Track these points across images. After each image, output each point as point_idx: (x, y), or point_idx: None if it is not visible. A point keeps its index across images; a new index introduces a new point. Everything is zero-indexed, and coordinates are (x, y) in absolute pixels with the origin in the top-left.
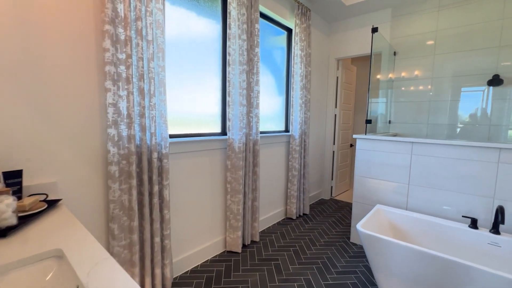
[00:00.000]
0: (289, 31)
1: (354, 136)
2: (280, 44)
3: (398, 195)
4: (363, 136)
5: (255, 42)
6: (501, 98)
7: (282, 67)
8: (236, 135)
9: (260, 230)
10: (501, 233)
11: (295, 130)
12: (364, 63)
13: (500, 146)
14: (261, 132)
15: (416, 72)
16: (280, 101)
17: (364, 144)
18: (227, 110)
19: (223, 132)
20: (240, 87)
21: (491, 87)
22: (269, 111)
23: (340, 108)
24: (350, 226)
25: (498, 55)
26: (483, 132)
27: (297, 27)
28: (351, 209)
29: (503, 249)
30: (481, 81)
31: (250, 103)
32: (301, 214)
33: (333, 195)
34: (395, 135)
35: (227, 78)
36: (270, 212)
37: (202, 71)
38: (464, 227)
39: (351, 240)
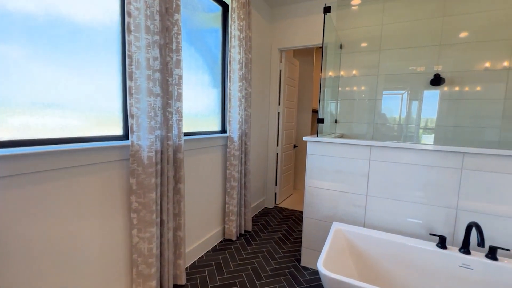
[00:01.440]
0: (224, 7)
1: (305, 138)
2: (213, 24)
3: (356, 208)
4: (315, 138)
5: (174, 5)
6: (441, 98)
7: (216, 52)
8: (144, 139)
9: (189, 264)
10: (471, 252)
11: (233, 130)
12: (307, 58)
13: (464, 150)
14: (187, 134)
15: (362, 68)
16: (214, 94)
17: (316, 148)
18: (128, 101)
19: (125, 136)
20: (150, 67)
21: (436, 88)
22: (200, 107)
23: (284, 106)
24: (298, 243)
25: (439, 54)
26: (429, 133)
27: (234, 1)
28: (297, 218)
29: (475, 271)
30: (424, 80)
31: (168, 93)
32: (243, 232)
33: (277, 203)
34: (341, 136)
35: (127, 52)
36: (203, 237)
37: (79, 41)
38: (432, 247)
39: (302, 264)
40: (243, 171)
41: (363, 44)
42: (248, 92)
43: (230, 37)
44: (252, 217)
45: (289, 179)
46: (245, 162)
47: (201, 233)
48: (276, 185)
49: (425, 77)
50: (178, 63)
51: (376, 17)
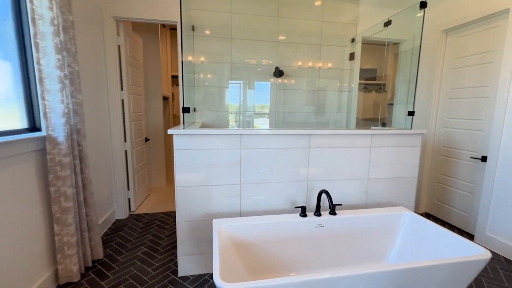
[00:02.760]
0: None
1: (170, 131)
2: None
3: (231, 198)
4: (183, 131)
5: None
6: (282, 88)
7: None
8: None
9: None
10: (322, 213)
11: (55, 127)
12: (151, 36)
13: (310, 132)
14: None
15: (214, 55)
16: (6, 69)
17: (185, 142)
18: None
19: None
20: None
21: (276, 79)
22: None
23: (129, 91)
24: (171, 251)
25: (277, 49)
26: (272, 119)
27: None
28: (162, 222)
29: (325, 227)
30: (268, 72)
31: None
32: (90, 264)
33: (133, 210)
34: (203, 126)
35: None
36: None
37: None
38: (297, 217)
39: (180, 274)
40: (80, 184)
41: (215, 29)
42: (74, 70)
43: None
44: (101, 237)
45: (144, 179)
46: (81, 170)
47: None
48: (128, 189)
49: (268, 69)
50: None
51: (226, 4)
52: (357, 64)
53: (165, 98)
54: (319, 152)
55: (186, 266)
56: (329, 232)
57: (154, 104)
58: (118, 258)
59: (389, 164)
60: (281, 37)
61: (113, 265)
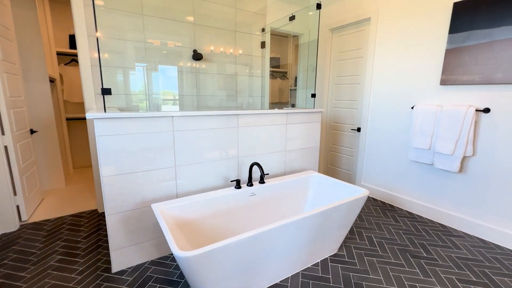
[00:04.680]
0: None
1: (90, 116)
2: None
3: (167, 182)
4: (107, 114)
5: None
6: (198, 72)
7: None
8: None
9: None
10: (254, 183)
11: None
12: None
13: (238, 112)
14: None
15: (125, 32)
16: None
17: (109, 127)
18: None
19: None
20: None
21: (192, 62)
22: None
23: (1, 69)
24: (94, 252)
25: (194, 31)
26: (194, 101)
27: None
28: (74, 225)
29: (257, 195)
30: (181, 54)
31: None
32: None
33: (25, 219)
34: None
35: None
36: None
37: None
38: (232, 190)
39: (114, 270)
40: None
41: (123, 2)
42: None
43: None
44: None
45: (35, 180)
46: None
47: None
48: (15, 194)
49: (182, 51)
50: None
51: None
52: (267, 52)
53: (52, 80)
54: (246, 130)
55: (122, 259)
56: (261, 198)
57: (38, 87)
58: (23, 274)
59: (300, 137)
60: (197, 20)
61: (18, 284)
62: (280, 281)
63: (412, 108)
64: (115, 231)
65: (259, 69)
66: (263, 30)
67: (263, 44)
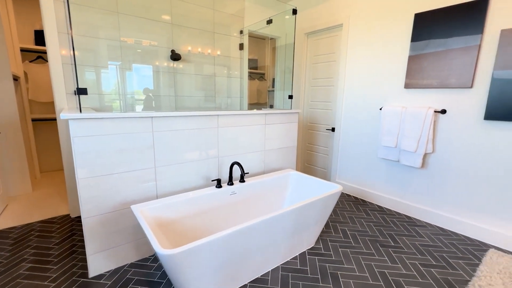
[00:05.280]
0: None
1: (65, 116)
2: None
3: (147, 183)
4: (83, 115)
5: None
6: (176, 72)
7: None
8: None
9: None
10: (234, 182)
11: None
12: None
13: (218, 113)
14: None
15: (100, 29)
16: None
17: (86, 129)
18: None
19: None
20: None
21: (169, 62)
22: None
23: None
24: (68, 258)
25: (172, 31)
26: (171, 102)
27: None
28: (43, 232)
29: (238, 194)
30: (157, 53)
31: None
32: None
33: None
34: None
35: None
36: None
37: None
38: (213, 189)
39: (92, 275)
40: None
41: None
42: None
43: None
44: None
45: None
46: None
47: None
48: None
49: (158, 50)
50: None
51: None
52: (245, 54)
53: (14, 79)
54: (226, 130)
55: (99, 263)
56: (241, 197)
57: (1, 85)
58: None
59: (278, 137)
60: (174, 20)
61: None
62: (261, 275)
63: (380, 109)
64: (92, 234)
65: (237, 70)
66: (241, 32)
67: (241, 46)
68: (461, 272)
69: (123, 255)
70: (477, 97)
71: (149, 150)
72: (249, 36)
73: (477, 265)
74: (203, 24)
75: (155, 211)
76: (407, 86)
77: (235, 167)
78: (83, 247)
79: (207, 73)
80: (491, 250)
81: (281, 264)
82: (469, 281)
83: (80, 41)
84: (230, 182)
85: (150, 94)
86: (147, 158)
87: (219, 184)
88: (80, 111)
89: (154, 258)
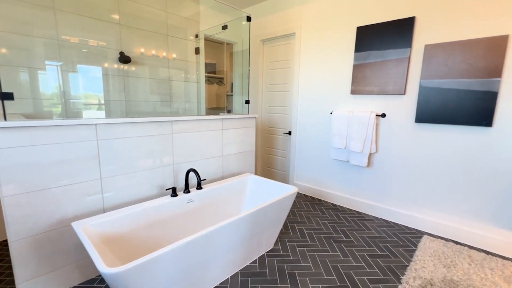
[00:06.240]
0: None
1: None
2: None
3: (91, 196)
4: (8, 123)
5: None
6: (127, 75)
7: None
8: None
9: None
10: (191, 190)
11: None
12: None
13: (172, 119)
14: None
15: (32, 25)
16: None
17: (13, 139)
18: None
19: None
20: None
21: (119, 65)
22: None
23: None
24: None
25: (120, 33)
26: (122, 107)
27: None
28: None
29: (195, 201)
30: (113, 55)
31: None
32: None
33: None
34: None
35: None
36: None
37: None
38: (168, 198)
39: None
40: None
41: None
42: None
43: None
44: None
45: None
46: None
47: None
48: None
49: (106, 52)
50: None
51: None
52: (202, 58)
53: None
54: (181, 137)
55: None
56: (199, 204)
57: None
58: None
59: (236, 142)
60: (123, 20)
61: None
62: (220, 283)
63: (331, 113)
64: (23, 259)
65: (194, 75)
66: (196, 36)
67: (197, 50)
68: (401, 258)
69: (64, 279)
70: (409, 103)
71: (94, 160)
72: (205, 40)
73: (414, 251)
74: (156, 26)
75: (101, 226)
76: (353, 92)
77: (192, 174)
78: (12, 274)
79: (162, 77)
80: (425, 237)
81: (240, 270)
82: (408, 266)
83: (5, 37)
84: (187, 190)
85: (99, 98)
86: (92, 169)
87: (174, 193)
88: (5, 118)
89: (101, 278)
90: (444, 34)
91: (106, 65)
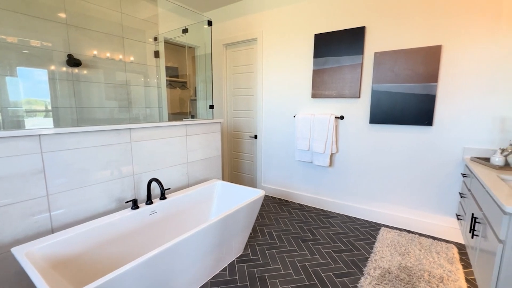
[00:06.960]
0: None
1: None
2: None
3: (37, 216)
4: None
5: None
6: (85, 80)
7: None
8: None
9: None
10: (153, 201)
11: None
12: None
13: (130, 126)
14: None
15: None
16: None
17: None
18: None
19: None
20: None
21: (68, 68)
22: None
23: None
24: None
25: (67, 34)
26: (73, 114)
27: None
28: None
29: (158, 212)
30: (60, 58)
31: None
32: None
33: None
34: None
35: None
36: None
37: None
38: (129, 211)
39: None
40: None
41: None
42: None
43: None
44: None
45: None
46: None
47: None
48: None
49: (61, 55)
50: None
51: None
52: (162, 62)
53: None
54: (141, 145)
55: None
56: (163, 215)
57: None
58: None
59: (201, 148)
60: (71, 20)
61: None
62: None
63: (294, 116)
64: None
65: (155, 79)
66: (156, 39)
67: (156, 54)
68: (363, 251)
69: None
70: (363, 105)
71: (38, 175)
72: (165, 43)
73: (374, 242)
74: (109, 28)
75: (49, 249)
76: (313, 96)
77: (154, 184)
78: None
79: (119, 81)
80: (383, 228)
81: (210, 279)
82: (368, 257)
83: None
84: (149, 201)
85: (46, 105)
86: (36, 186)
87: (135, 205)
88: None
89: None
90: (390, 42)
91: (52, 67)
